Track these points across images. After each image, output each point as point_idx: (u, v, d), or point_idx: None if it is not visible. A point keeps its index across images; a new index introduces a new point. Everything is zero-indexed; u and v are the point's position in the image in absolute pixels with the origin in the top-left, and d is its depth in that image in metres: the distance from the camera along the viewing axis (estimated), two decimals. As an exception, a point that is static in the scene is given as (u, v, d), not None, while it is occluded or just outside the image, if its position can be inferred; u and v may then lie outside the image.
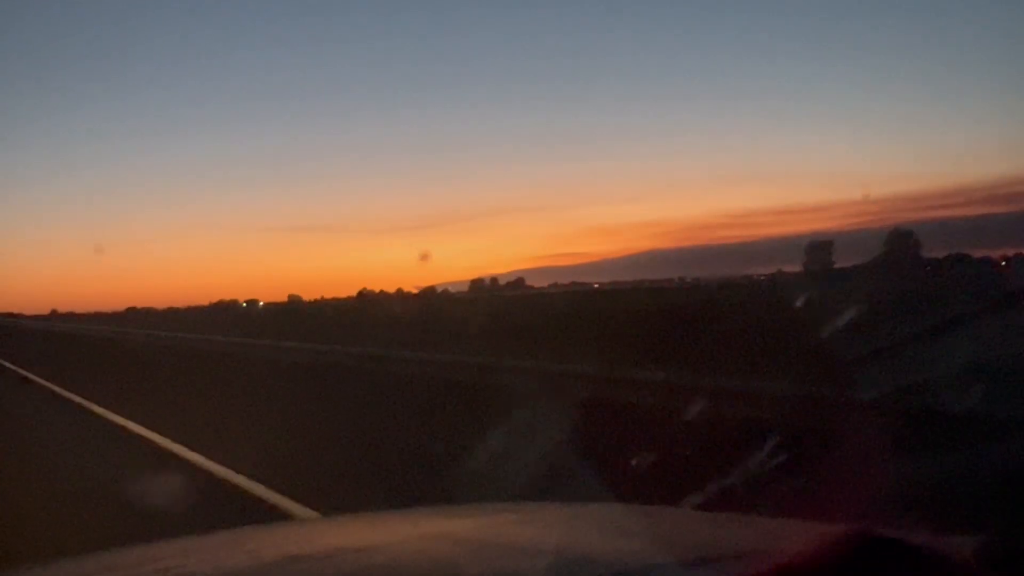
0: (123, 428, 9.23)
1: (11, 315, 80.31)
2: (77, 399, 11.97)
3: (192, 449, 7.44)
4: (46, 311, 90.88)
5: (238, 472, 6.34)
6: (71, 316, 79.50)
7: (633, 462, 5.02)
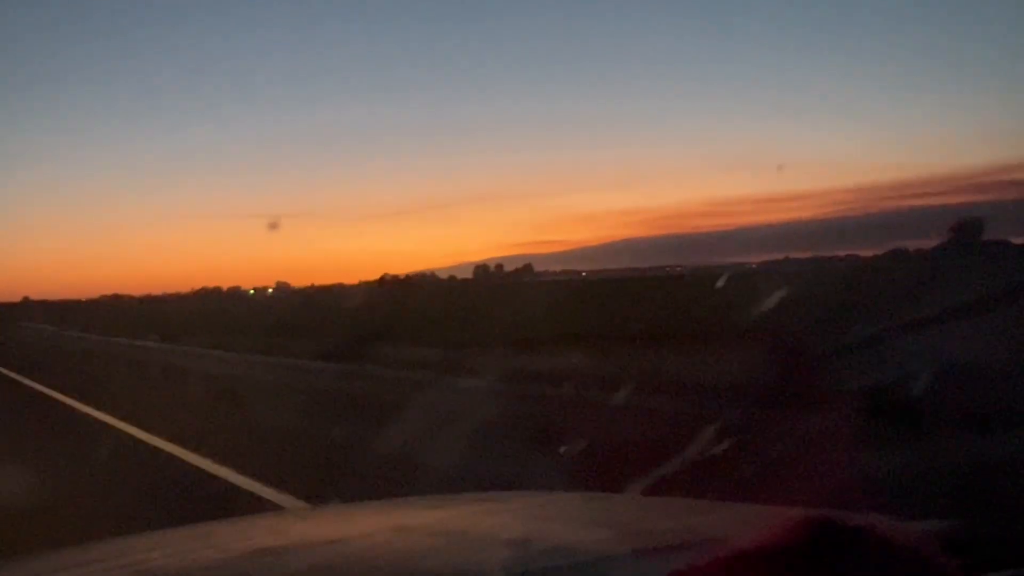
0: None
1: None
2: None
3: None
4: (17, 298, 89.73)
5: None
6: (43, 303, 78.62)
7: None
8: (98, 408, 10.19)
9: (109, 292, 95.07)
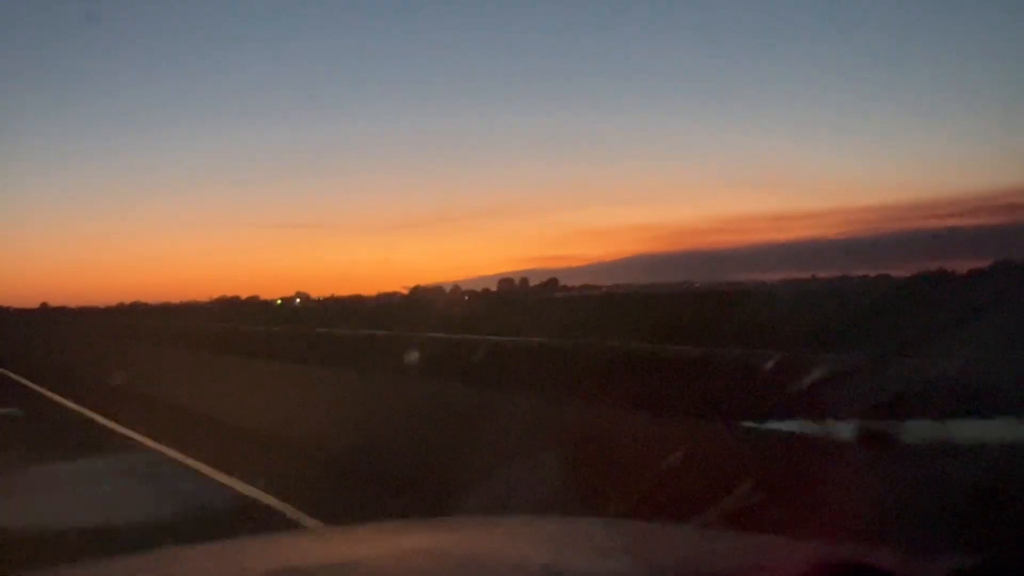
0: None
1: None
2: None
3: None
4: (35, 304, 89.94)
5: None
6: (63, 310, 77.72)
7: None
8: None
9: (127, 300, 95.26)
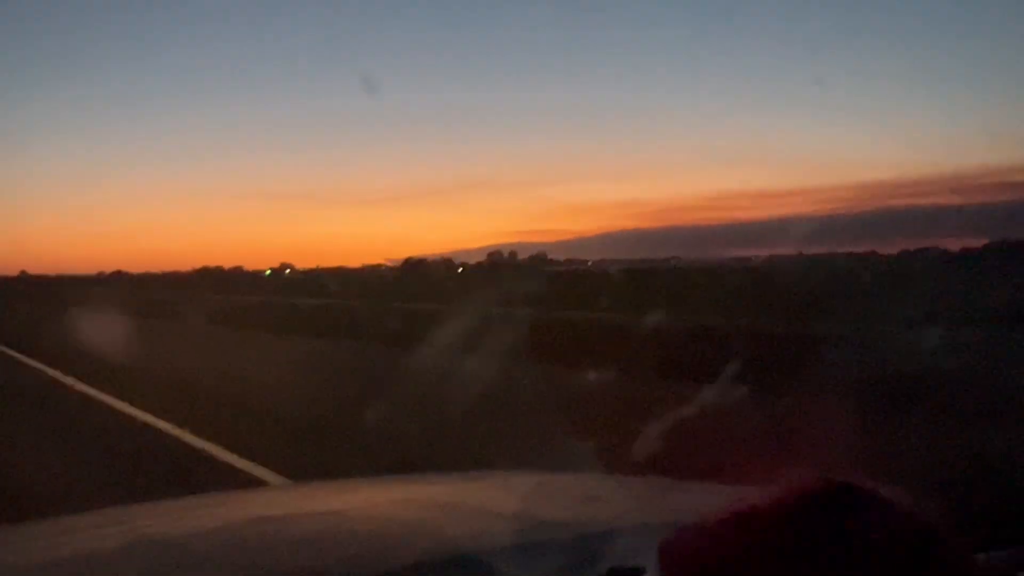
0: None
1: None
2: None
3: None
4: (15, 272, 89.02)
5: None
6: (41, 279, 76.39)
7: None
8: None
9: (109, 269, 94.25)
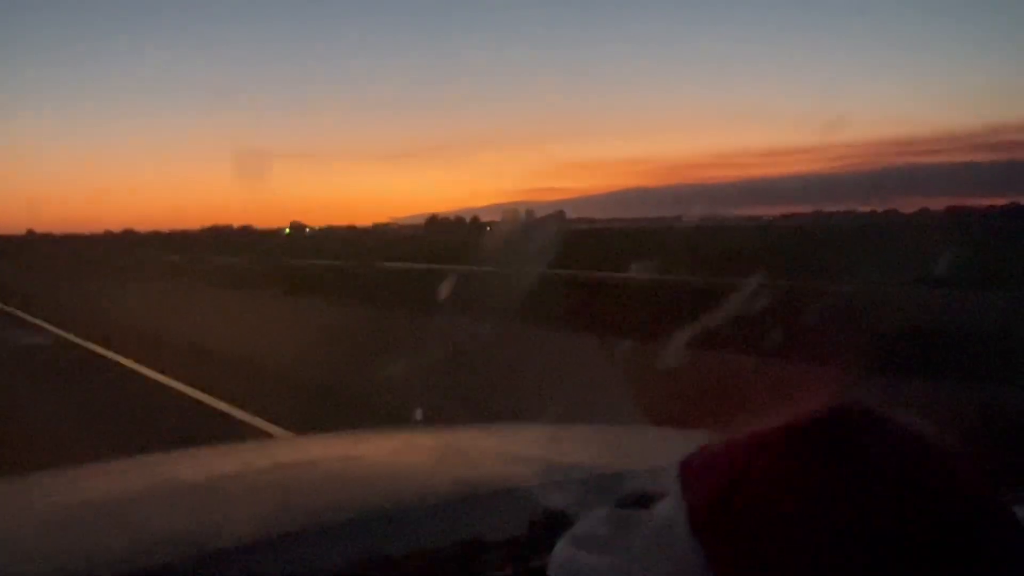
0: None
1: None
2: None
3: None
4: (22, 231, 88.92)
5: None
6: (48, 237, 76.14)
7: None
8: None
9: (116, 228, 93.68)
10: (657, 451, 1.47)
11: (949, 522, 0.60)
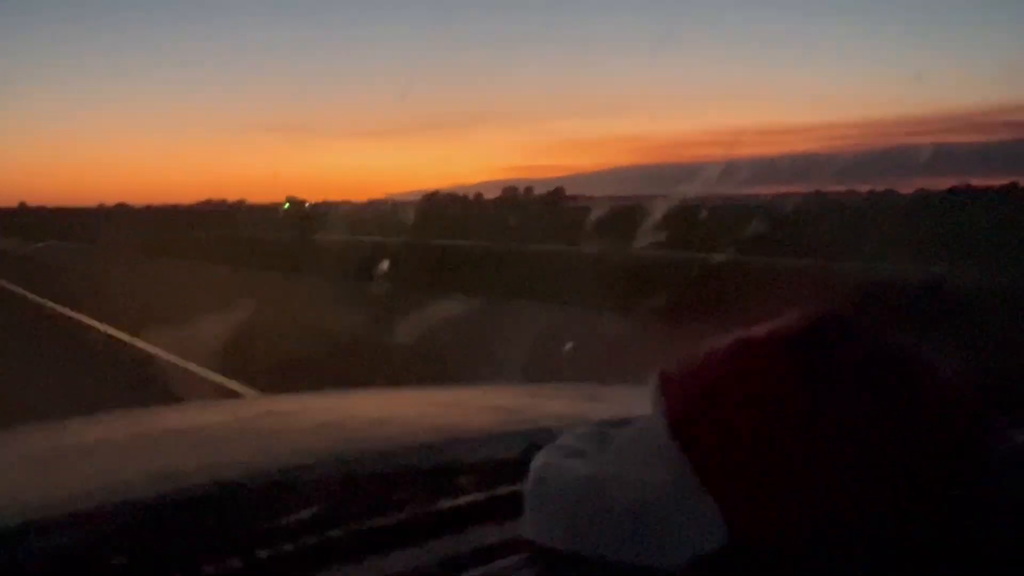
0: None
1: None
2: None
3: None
4: (13, 204, 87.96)
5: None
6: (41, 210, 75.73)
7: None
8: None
9: (111, 201, 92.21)
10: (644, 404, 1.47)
11: (928, 427, 0.61)
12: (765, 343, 0.63)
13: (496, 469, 0.92)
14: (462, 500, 0.88)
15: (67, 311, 11.29)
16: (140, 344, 8.48)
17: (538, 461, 0.72)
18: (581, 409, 1.41)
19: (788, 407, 0.61)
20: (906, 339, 0.66)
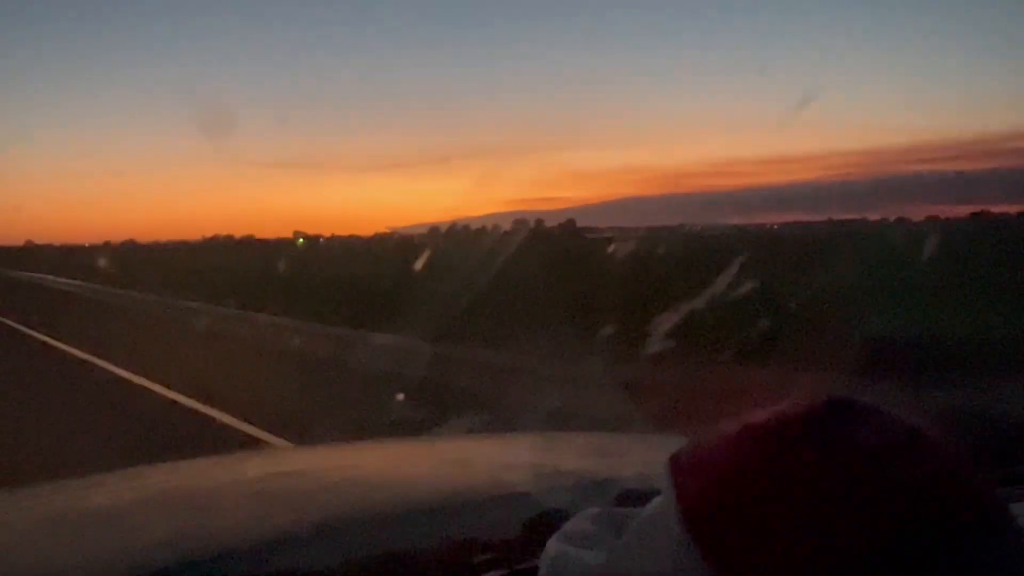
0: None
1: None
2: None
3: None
4: (20, 242, 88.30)
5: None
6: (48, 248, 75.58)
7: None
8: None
9: (116, 239, 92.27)
10: (650, 456, 1.47)
11: (945, 515, 0.60)
12: (777, 429, 0.63)
13: (508, 546, 0.92)
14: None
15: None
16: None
17: (551, 550, 0.71)
18: (593, 466, 1.40)
19: (805, 497, 0.60)
20: (914, 416, 0.66)
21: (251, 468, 1.61)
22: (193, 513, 1.18)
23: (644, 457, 1.46)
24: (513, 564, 0.88)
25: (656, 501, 0.68)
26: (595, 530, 0.71)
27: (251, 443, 5.94)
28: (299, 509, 1.16)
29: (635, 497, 0.80)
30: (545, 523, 0.92)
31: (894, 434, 0.63)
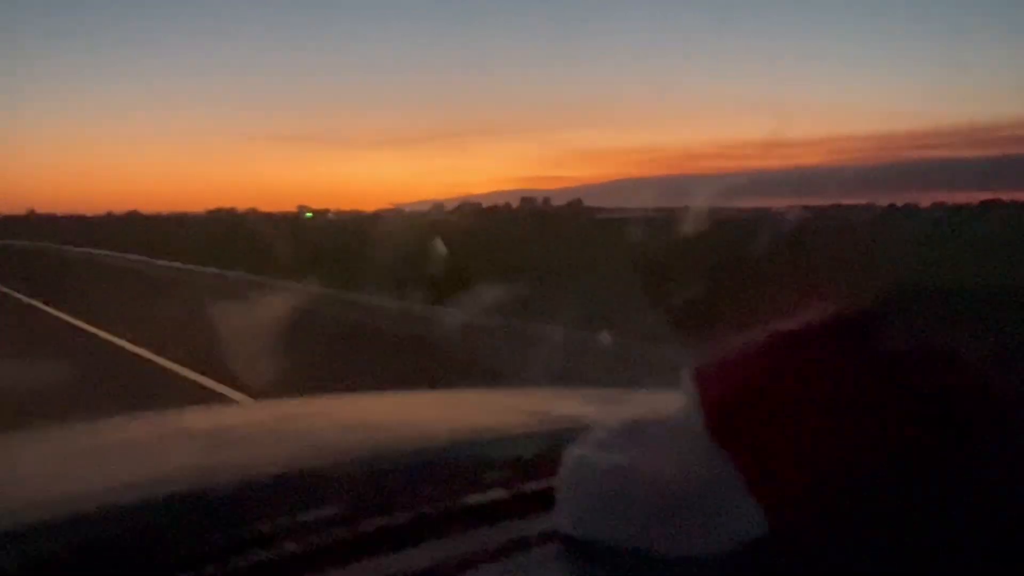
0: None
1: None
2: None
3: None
4: (22, 211, 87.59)
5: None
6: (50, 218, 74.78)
7: None
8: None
9: (120, 210, 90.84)
10: (668, 406, 1.46)
11: (968, 419, 0.60)
12: (805, 335, 0.63)
13: (526, 464, 0.92)
14: (493, 495, 0.88)
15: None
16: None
17: (571, 454, 0.71)
18: (609, 411, 1.39)
19: (830, 398, 0.61)
20: (937, 333, 0.66)
21: (246, 416, 1.59)
22: (189, 454, 1.15)
23: (661, 406, 1.45)
24: (526, 482, 0.88)
25: (676, 409, 0.68)
26: (615, 439, 0.71)
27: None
28: (301, 448, 1.15)
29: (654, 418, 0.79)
30: (559, 446, 0.92)
31: (919, 344, 0.64)
